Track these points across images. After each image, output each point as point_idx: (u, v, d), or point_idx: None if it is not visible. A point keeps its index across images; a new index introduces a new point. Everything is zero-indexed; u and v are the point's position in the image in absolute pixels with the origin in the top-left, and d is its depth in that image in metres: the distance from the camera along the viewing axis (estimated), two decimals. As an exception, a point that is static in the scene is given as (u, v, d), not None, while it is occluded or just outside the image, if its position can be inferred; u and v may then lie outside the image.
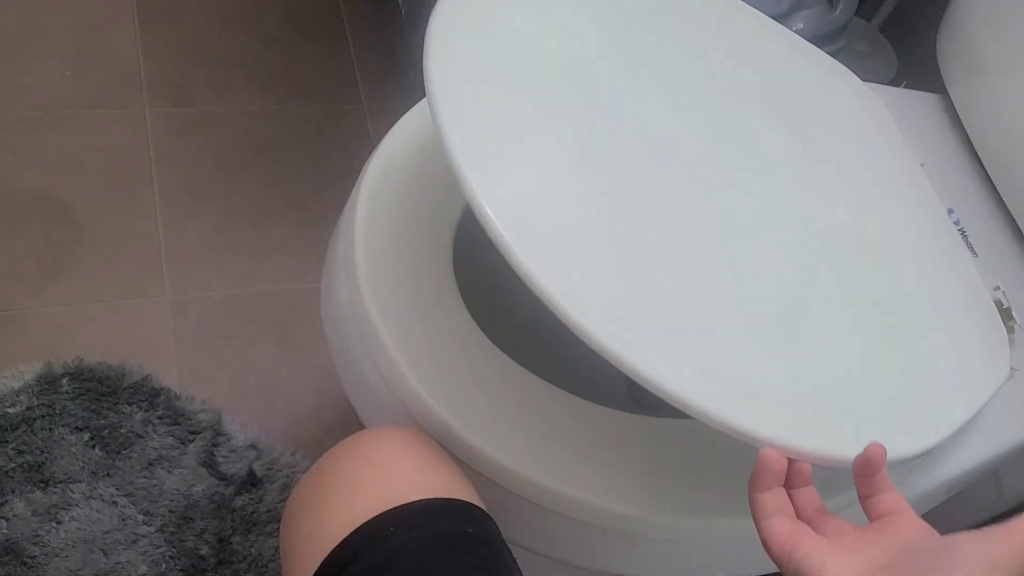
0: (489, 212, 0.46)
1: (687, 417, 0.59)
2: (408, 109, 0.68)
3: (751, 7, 0.72)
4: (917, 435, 0.56)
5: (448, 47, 0.51)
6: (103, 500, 0.89)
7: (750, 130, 0.64)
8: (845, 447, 0.49)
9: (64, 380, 0.94)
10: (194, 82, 1.20)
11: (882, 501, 0.47)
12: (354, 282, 0.59)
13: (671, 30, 0.66)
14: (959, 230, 0.76)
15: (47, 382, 0.94)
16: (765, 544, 0.46)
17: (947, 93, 0.86)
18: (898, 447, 0.53)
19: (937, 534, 0.45)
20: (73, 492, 0.88)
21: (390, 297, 0.58)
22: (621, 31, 0.62)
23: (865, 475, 0.47)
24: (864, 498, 0.47)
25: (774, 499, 0.47)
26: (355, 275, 0.59)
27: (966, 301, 0.67)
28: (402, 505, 0.50)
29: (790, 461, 0.48)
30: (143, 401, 0.95)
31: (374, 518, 0.49)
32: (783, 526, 0.46)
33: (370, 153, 0.65)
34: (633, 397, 0.84)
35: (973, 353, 0.64)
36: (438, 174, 0.64)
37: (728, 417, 0.47)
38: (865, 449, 0.47)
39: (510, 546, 0.53)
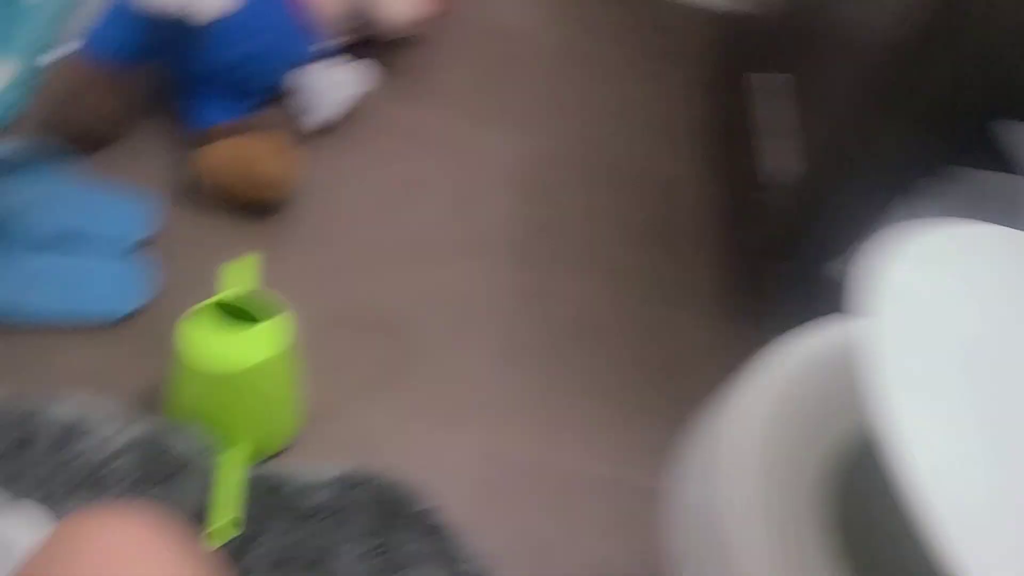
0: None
1: None
2: (771, 339, 0.69)
3: None
4: None
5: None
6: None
7: None
8: None
9: (364, 487, 0.99)
10: (554, 254, 1.29)
11: None
12: (713, 493, 0.59)
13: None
14: None
15: (350, 485, 0.99)
16: None
17: None
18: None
19: None
20: (330, 602, 0.90)
21: (749, 517, 0.57)
22: None
23: None
24: None
25: None
26: (715, 486, 0.59)
27: None
28: None
29: None
30: (422, 531, 0.98)
31: None
32: None
33: (749, 371, 0.66)
34: None
35: None
36: (826, 417, 0.63)
37: None
38: None
39: None
